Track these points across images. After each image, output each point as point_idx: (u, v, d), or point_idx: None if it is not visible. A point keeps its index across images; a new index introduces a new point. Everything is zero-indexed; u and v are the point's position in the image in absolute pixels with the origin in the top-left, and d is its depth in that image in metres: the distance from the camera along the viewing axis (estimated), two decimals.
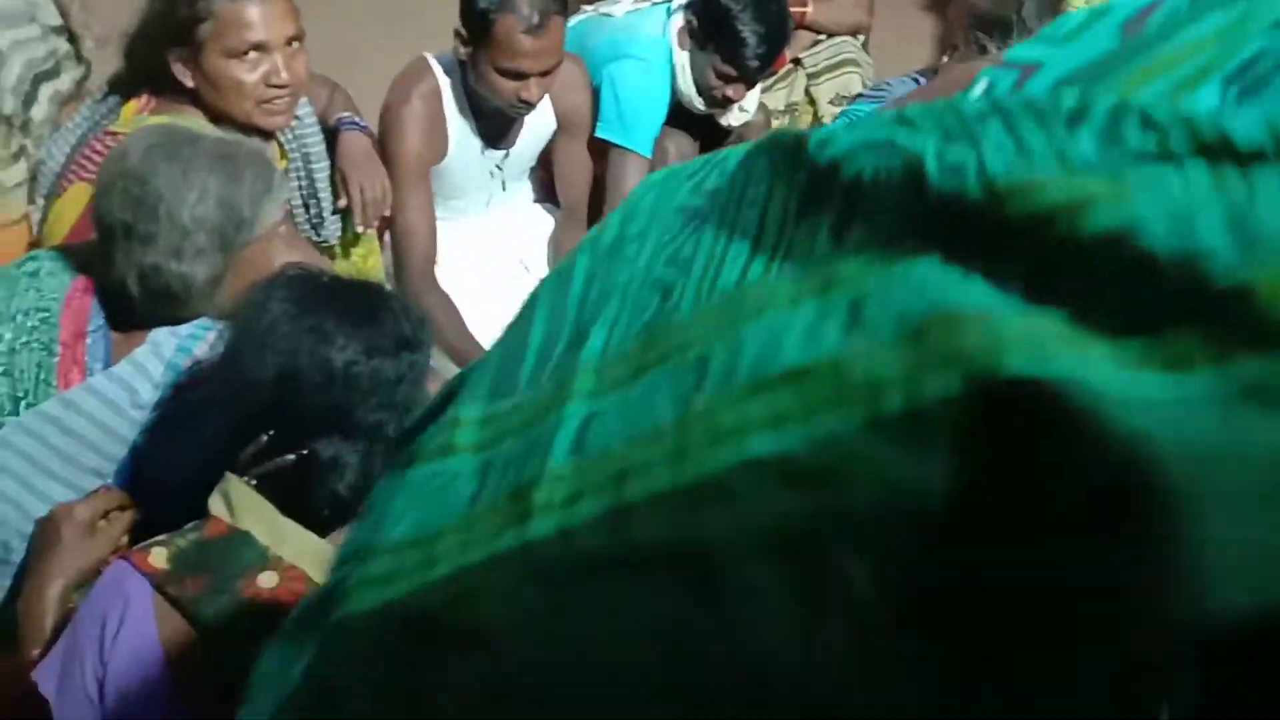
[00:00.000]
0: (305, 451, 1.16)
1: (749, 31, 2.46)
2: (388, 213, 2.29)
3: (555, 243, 2.61)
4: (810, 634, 0.44)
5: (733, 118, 2.77)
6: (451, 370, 2.24)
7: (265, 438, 1.16)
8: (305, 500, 1.18)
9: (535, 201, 2.70)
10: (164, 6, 1.83)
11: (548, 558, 0.48)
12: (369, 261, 2.33)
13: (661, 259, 0.54)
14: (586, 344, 0.53)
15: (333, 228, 2.22)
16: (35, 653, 1.20)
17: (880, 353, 0.41)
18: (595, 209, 2.62)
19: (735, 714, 0.46)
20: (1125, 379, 0.37)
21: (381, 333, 1.19)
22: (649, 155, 2.55)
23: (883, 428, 0.41)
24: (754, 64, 2.51)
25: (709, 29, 2.50)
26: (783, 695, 0.45)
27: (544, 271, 2.57)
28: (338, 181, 2.20)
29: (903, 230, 0.44)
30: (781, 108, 3.05)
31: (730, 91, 2.52)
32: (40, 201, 2.06)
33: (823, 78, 3.02)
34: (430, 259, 2.39)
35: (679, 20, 2.56)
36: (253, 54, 1.83)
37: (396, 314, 1.24)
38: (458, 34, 2.24)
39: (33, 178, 2.13)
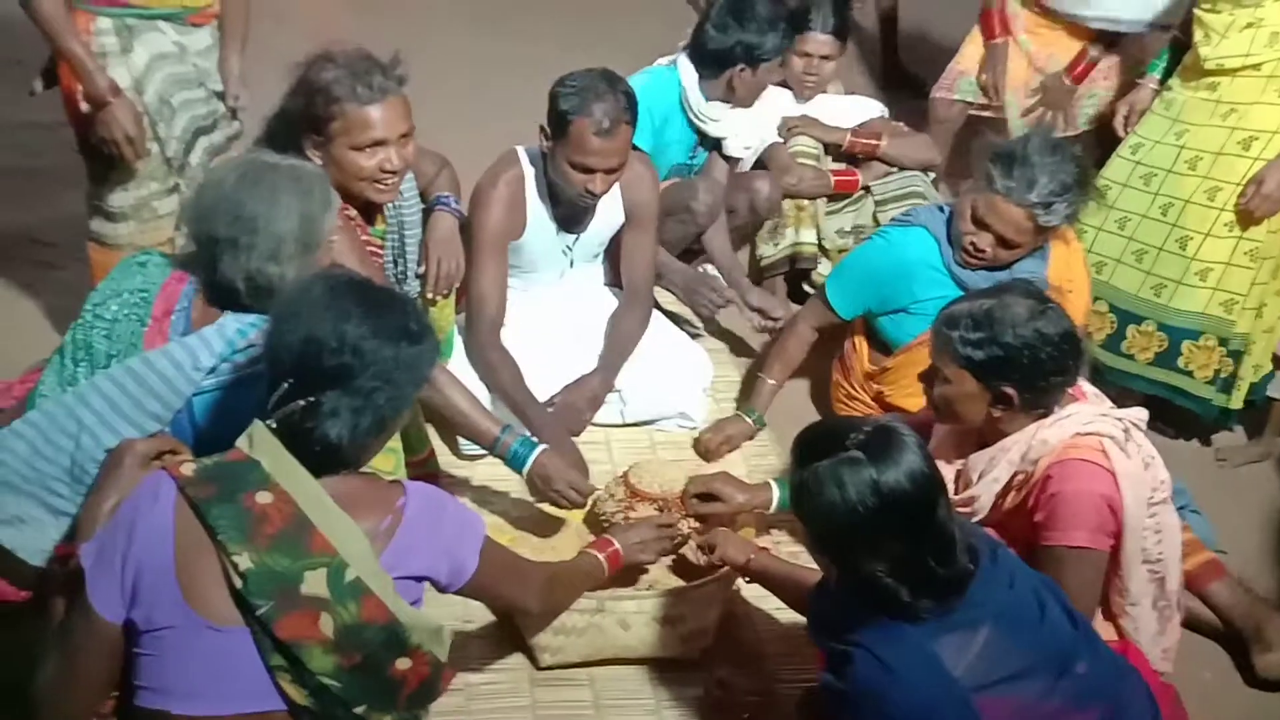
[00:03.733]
0: (313, 400, 1.46)
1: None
2: (458, 285, 2.62)
3: (614, 320, 2.90)
4: None
5: (732, 148, 3.15)
6: (508, 415, 2.52)
7: (286, 385, 1.47)
8: (304, 440, 1.47)
9: (606, 285, 3.01)
10: (304, 101, 2.21)
11: None
12: (444, 313, 2.66)
13: None
14: None
15: (413, 286, 2.57)
16: (85, 544, 1.51)
17: None
18: None
19: None
20: None
21: (389, 322, 1.51)
22: None
23: None
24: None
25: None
26: None
27: (596, 344, 2.86)
28: (422, 251, 2.55)
29: None
30: (849, 228, 3.31)
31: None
32: (185, 229, 2.48)
33: (889, 206, 3.28)
34: (498, 321, 2.71)
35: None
36: (372, 147, 2.21)
37: (406, 314, 1.55)
38: (542, 129, 2.60)
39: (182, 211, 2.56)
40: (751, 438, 2.79)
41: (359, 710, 1.46)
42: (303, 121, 2.21)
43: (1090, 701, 1.60)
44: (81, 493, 1.68)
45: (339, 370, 1.47)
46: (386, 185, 2.27)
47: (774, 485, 2.32)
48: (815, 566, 1.94)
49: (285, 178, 1.83)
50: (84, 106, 2.44)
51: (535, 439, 2.38)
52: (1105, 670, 1.65)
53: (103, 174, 2.55)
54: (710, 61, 3.05)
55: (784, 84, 3.37)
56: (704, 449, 2.76)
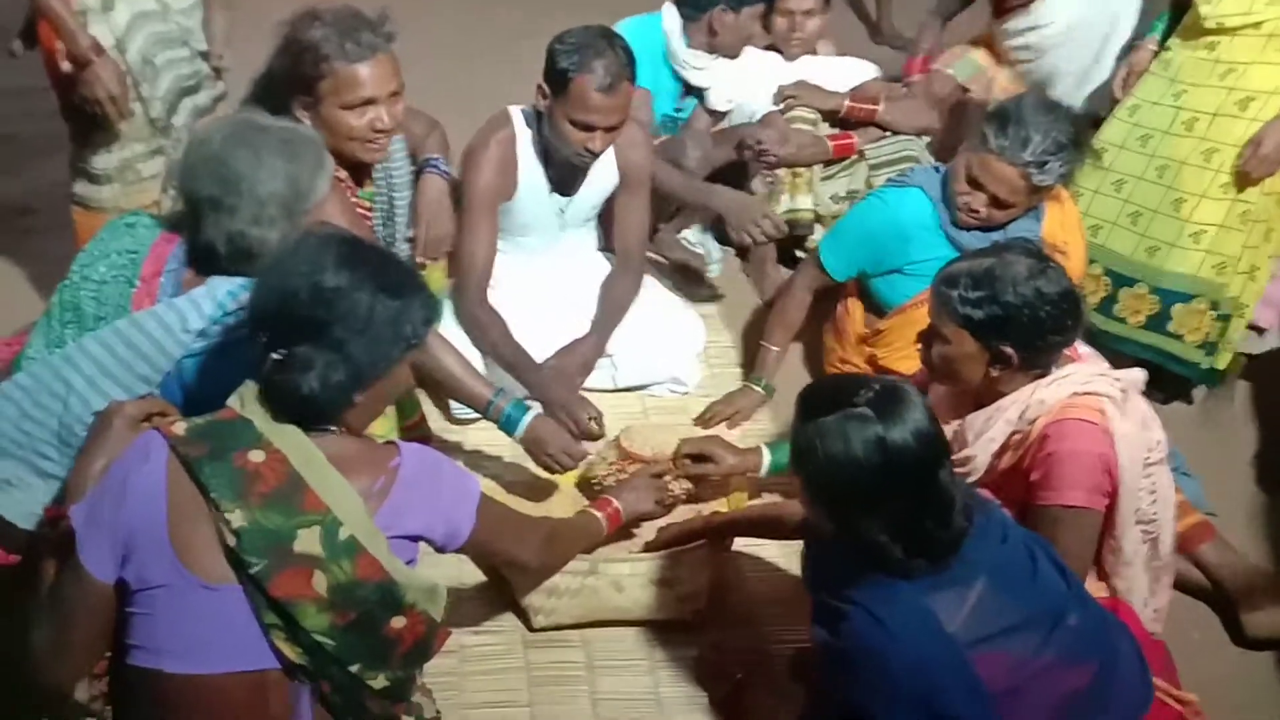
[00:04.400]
0: (286, 352, 1.44)
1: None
2: (448, 249, 2.60)
3: (606, 284, 2.88)
4: None
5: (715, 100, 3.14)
6: (503, 379, 2.51)
7: (263, 338, 1.45)
8: (279, 393, 1.46)
9: (599, 250, 2.99)
10: (291, 61, 2.17)
11: None
12: (434, 276, 2.64)
13: None
14: None
15: (403, 249, 2.53)
16: (75, 505, 1.49)
17: None
18: None
19: None
20: None
21: (367, 276, 1.48)
22: None
23: None
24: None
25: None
26: None
27: (588, 308, 2.85)
28: (412, 214, 2.51)
29: None
30: (843, 194, 3.28)
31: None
32: (173, 191, 2.44)
33: (883, 170, 3.25)
34: (484, 281, 2.68)
35: None
36: (362, 106, 2.18)
37: (388, 269, 1.52)
38: (540, 87, 2.56)
39: (168, 173, 2.53)
40: (763, 405, 2.78)
41: (353, 669, 1.46)
42: (291, 82, 2.16)
43: (1082, 657, 1.60)
44: (70, 455, 1.66)
45: (311, 321, 1.44)
46: (377, 145, 2.23)
47: (765, 450, 2.31)
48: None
49: (275, 139, 1.80)
50: (65, 66, 2.39)
51: (528, 402, 2.36)
52: (1096, 625, 1.66)
53: (86, 136, 2.51)
54: (692, 2, 3.06)
55: (772, 47, 3.34)
56: (715, 422, 2.73)
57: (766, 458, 2.30)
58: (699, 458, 2.27)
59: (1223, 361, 2.83)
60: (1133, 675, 1.68)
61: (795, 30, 3.28)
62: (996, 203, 2.44)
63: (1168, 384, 2.92)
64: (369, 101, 2.17)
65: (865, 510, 1.54)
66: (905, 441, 1.52)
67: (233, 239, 1.77)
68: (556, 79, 2.50)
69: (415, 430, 2.47)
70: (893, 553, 1.54)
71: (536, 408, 2.37)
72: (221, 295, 1.72)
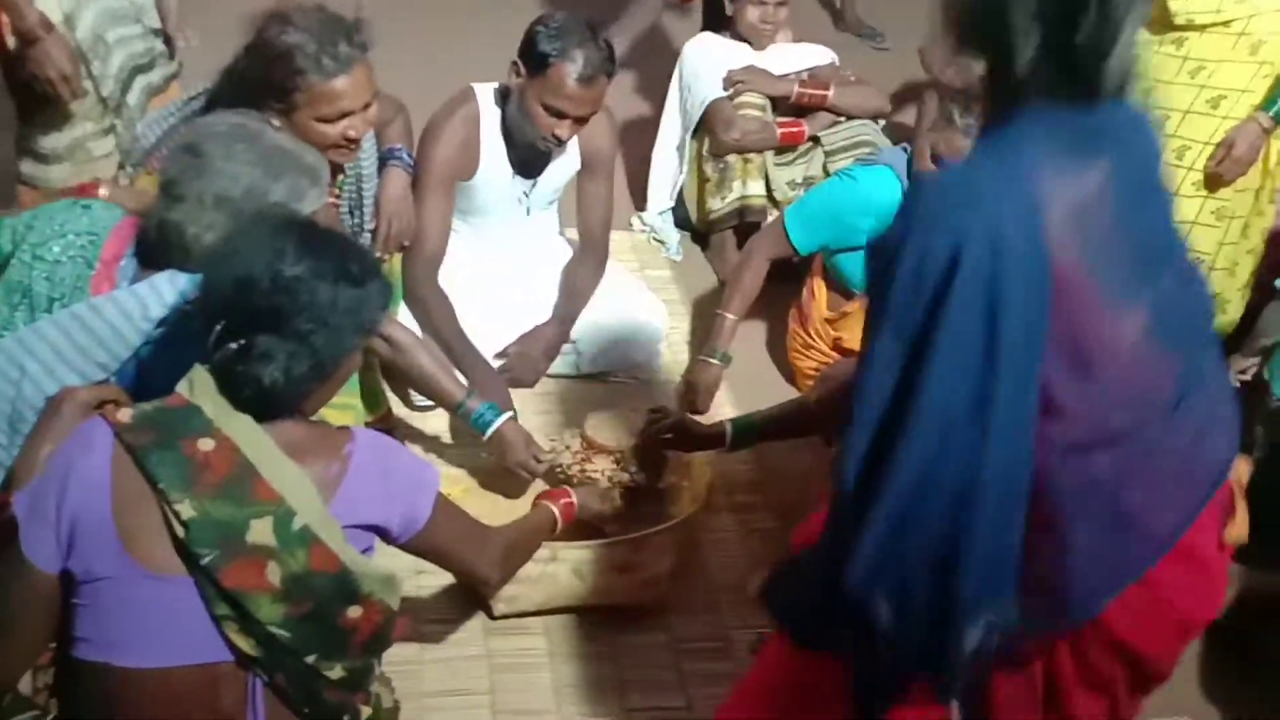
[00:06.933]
0: (245, 342, 1.40)
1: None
2: (407, 243, 2.54)
3: (569, 269, 2.86)
4: None
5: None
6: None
7: (219, 328, 1.41)
8: (237, 383, 1.42)
9: (559, 234, 2.96)
10: (262, 67, 2.06)
11: None
12: (394, 267, 2.58)
13: None
14: None
15: (367, 239, 2.48)
16: (17, 493, 1.45)
17: None
18: None
19: None
20: None
21: (327, 263, 1.44)
22: None
23: None
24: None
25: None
26: None
27: (550, 294, 2.82)
28: (375, 206, 2.46)
29: None
30: (799, 180, 3.28)
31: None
32: (130, 170, 2.38)
33: (839, 156, 3.24)
34: (436, 260, 2.63)
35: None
36: (337, 119, 2.10)
37: (347, 256, 1.49)
38: (514, 65, 2.52)
39: (123, 150, 2.46)
40: (720, 376, 2.71)
41: (309, 660, 1.43)
42: (261, 85, 2.07)
43: (1172, 343, 1.33)
44: (19, 443, 1.61)
45: (272, 311, 1.40)
46: (350, 150, 2.18)
47: (728, 425, 2.30)
48: None
49: (257, 150, 1.71)
50: (10, 42, 2.32)
51: (499, 406, 2.33)
52: (1195, 309, 1.41)
53: (33, 114, 2.43)
54: None
55: (736, 36, 3.33)
56: (697, 407, 2.68)
57: (729, 431, 2.29)
58: (668, 439, 2.26)
59: None
60: (1221, 421, 1.41)
61: (768, 21, 3.26)
62: None
63: None
64: (344, 114, 2.11)
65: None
66: None
67: (164, 226, 1.71)
68: (535, 60, 2.47)
69: (382, 424, 2.45)
70: (1040, 72, 1.24)
71: (510, 412, 2.34)
72: (184, 283, 1.67)
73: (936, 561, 1.25)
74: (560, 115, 2.49)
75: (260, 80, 2.07)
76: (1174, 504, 1.36)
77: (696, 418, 2.45)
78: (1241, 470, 1.48)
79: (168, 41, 2.59)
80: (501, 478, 2.42)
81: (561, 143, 2.57)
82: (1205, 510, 1.39)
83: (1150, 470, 1.34)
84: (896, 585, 1.26)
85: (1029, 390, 1.23)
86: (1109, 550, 1.32)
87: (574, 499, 2.06)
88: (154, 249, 1.75)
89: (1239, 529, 1.46)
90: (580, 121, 2.53)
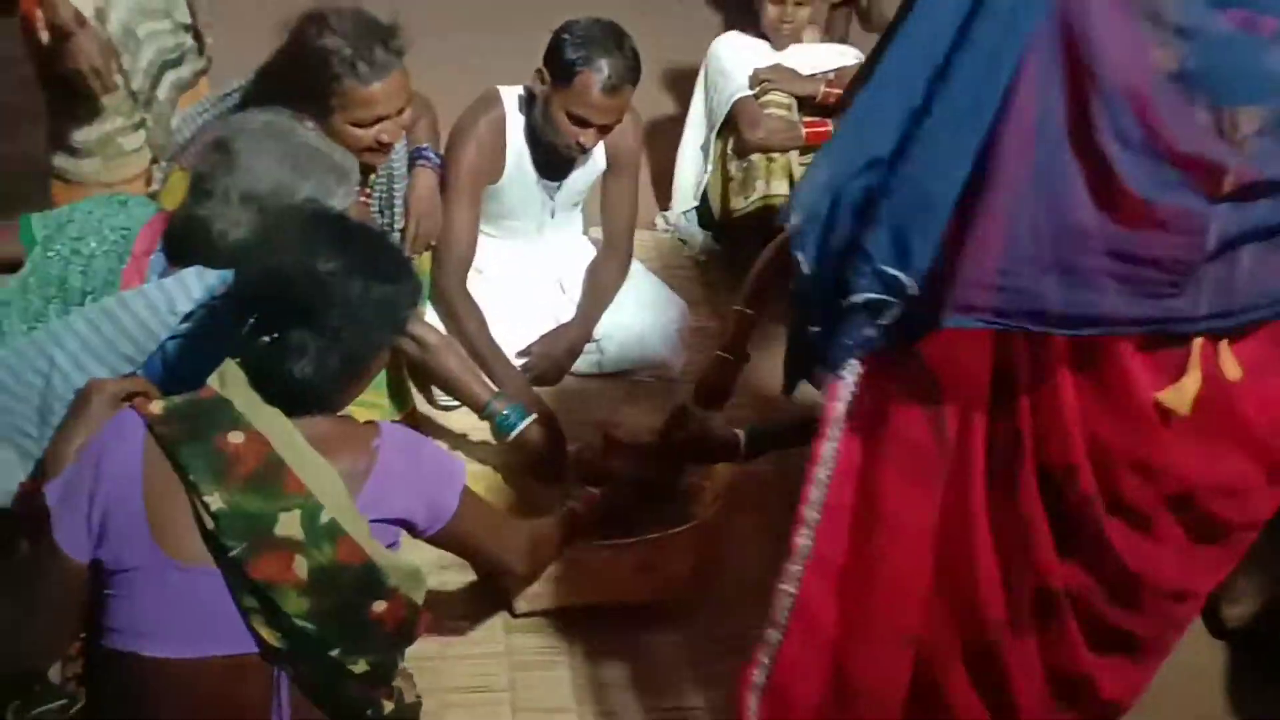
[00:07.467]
0: (278, 336, 1.41)
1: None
2: (434, 242, 2.56)
3: (592, 269, 2.86)
4: None
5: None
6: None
7: (252, 321, 1.42)
8: (270, 378, 1.43)
9: (584, 233, 2.96)
10: (298, 69, 2.08)
11: None
12: (422, 265, 2.60)
13: None
14: None
15: (396, 238, 2.49)
16: (49, 483, 1.47)
17: None
18: None
19: None
20: None
21: (361, 261, 1.46)
22: None
23: None
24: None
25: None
26: None
27: (574, 294, 2.82)
28: (404, 206, 2.47)
29: None
30: None
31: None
32: (164, 165, 2.40)
33: None
34: (465, 265, 2.65)
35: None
36: (371, 124, 2.12)
37: (381, 252, 1.50)
38: (539, 71, 2.52)
39: (152, 145, 2.48)
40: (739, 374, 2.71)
41: (334, 653, 1.44)
42: (296, 87, 2.08)
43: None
44: (49, 434, 1.63)
45: (306, 306, 1.41)
46: (383, 153, 2.20)
47: (741, 434, 2.30)
48: None
49: (286, 148, 1.73)
50: (44, 36, 2.34)
51: (526, 409, 2.32)
52: None
53: (65, 108, 2.45)
54: None
55: (760, 35, 3.32)
56: (714, 404, 2.66)
57: (742, 436, 2.28)
58: (684, 453, 2.26)
59: None
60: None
61: (786, 20, 3.26)
62: None
63: None
64: (379, 119, 2.12)
65: None
66: None
67: (191, 219, 1.73)
68: (561, 68, 2.46)
69: (408, 421, 2.45)
70: None
71: (534, 415, 2.32)
72: (211, 279, 1.69)
73: (860, 209, 1.30)
74: (584, 124, 2.49)
75: (295, 82, 2.08)
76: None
77: (714, 415, 2.44)
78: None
79: (197, 37, 2.60)
80: (526, 476, 2.42)
81: (586, 150, 2.57)
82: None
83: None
84: (822, 234, 1.33)
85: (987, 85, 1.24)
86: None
87: (597, 498, 2.07)
88: (180, 244, 1.77)
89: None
90: (605, 130, 2.53)
